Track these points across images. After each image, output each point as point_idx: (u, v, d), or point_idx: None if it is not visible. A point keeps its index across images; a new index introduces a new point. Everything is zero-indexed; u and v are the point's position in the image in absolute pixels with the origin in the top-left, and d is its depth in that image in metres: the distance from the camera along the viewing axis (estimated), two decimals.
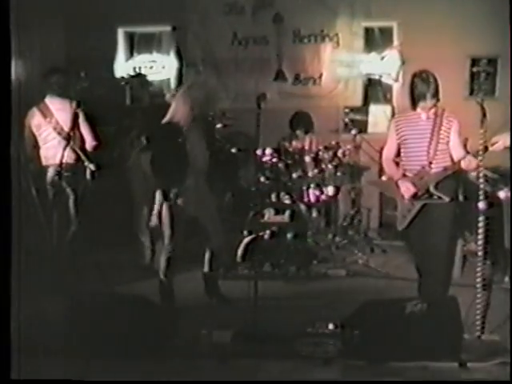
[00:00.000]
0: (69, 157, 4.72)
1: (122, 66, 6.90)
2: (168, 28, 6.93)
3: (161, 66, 6.88)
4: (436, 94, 4.02)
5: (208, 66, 6.93)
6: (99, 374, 3.40)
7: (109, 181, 5.52)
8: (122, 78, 6.44)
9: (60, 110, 4.84)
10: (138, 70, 6.74)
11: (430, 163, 4.04)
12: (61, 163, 4.60)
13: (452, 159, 4.07)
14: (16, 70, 6.07)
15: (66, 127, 4.79)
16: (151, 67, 6.77)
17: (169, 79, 6.92)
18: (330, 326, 3.88)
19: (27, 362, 3.21)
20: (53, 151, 4.83)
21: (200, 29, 6.89)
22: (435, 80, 4.03)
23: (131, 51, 7.04)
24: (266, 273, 5.05)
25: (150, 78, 6.22)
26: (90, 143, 4.91)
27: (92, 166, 4.79)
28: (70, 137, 4.71)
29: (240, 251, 5.24)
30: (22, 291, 3.43)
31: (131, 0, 6.64)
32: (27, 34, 5.89)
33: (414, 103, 4.09)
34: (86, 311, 3.73)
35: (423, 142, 4.06)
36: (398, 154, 4.27)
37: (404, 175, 4.14)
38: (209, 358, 3.63)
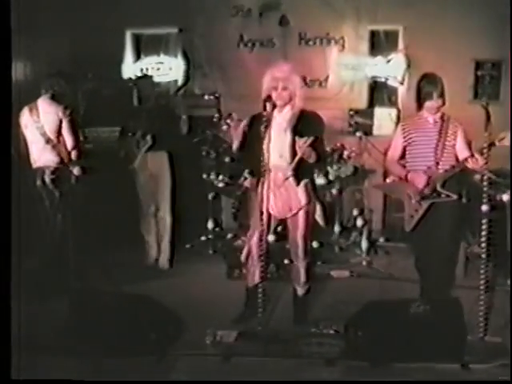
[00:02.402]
0: (53, 161, 4.75)
1: (130, 68, 6.93)
2: (175, 30, 6.96)
3: (168, 68, 6.91)
4: (442, 95, 4.10)
5: (214, 67, 6.97)
6: (102, 373, 3.44)
7: (115, 180, 5.57)
8: (130, 79, 6.48)
9: (47, 112, 4.78)
10: (145, 71, 6.78)
11: (437, 163, 4.10)
12: (56, 166, 4.66)
13: (457, 159, 4.12)
14: (24, 70, 6.15)
15: (49, 131, 4.77)
16: (158, 69, 6.79)
17: (176, 81, 6.96)
18: (334, 327, 3.92)
19: (27, 362, 3.26)
20: (38, 154, 4.82)
21: (207, 31, 6.91)
22: (441, 81, 4.13)
23: (138, 53, 7.07)
24: (269, 273, 5.08)
25: (156, 79, 6.24)
26: (70, 151, 4.83)
27: (76, 171, 4.73)
28: (52, 141, 4.72)
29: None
30: (22, 291, 3.49)
31: (139, 2, 6.69)
32: (34, 36, 5.97)
33: (420, 104, 4.17)
34: (89, 311, 3.76)
35: (430, 145, 4.14)
36: (402, 156, 4.32)
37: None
38: (213, 357, 3.67)
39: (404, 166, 4.30)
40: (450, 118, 4.17)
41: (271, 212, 4.02)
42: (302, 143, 3.80)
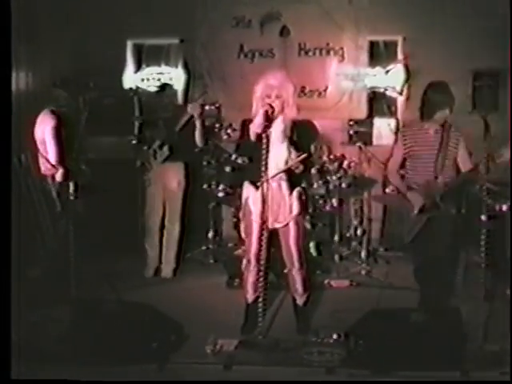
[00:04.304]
0: (43, 170, 4.83)
1: (131, 78, 6.97)
2: (176, 40, 7.02)
3: (168, 78, 6.95)
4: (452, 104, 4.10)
5: (215, 78, 7.02)
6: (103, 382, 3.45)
7: (116, 190, 5.61)
8: (131, 89, 6.51)
9: (39, 123, 4.91)
10: (146, 81, 6.82)
11: (436, 177, 4.11)
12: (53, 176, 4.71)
13: (458, 172, 4.14)
14: (26, 80, 6.19)
15: (38, 141, 4.86)
16: (159, 79, 6.82)
17: (176, 91, 7.00)
18: (334, 336, 3.93)
19: (28, 371, 3.27)
20: (40, 162, 4.90)
21: (208, 41, 6.97)
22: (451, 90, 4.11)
23: (140, 63, 7.11)
24: (270, 282, 5.09)
25: (158, 89, 6.26)
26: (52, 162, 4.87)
27: (59, 176, 4.76)
28: (38, 150, 4.80)
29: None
30: (22, 300, 3.50)
31: (140, 13, 6.74)
32: (35, 46, 6.01)
33: (428, 114, 4.11)
34: (90, 319, 3.77)
35: (431, 156, 4.13)
36: (403, 165, 4.34)
37: (410, 187, 4.21)
38: (213, 365, 3.68)
39: (403, 177, 4.32)
40: (452, 127, 4.14)
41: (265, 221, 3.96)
42: (295, 157, 3.85)
